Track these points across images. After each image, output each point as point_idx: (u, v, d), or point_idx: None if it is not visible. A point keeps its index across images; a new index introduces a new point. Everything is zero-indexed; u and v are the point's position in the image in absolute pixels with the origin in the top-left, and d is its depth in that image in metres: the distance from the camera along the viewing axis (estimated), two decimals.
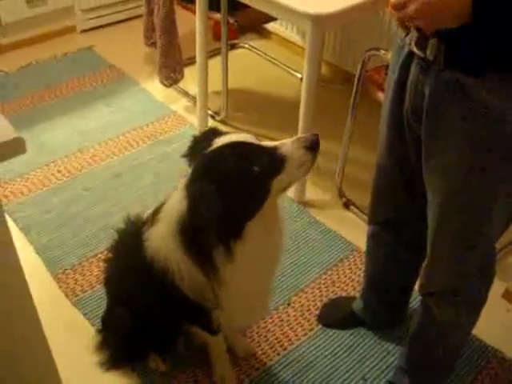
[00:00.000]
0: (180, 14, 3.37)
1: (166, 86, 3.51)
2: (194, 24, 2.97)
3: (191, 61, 3.41)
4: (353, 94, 2.56)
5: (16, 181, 2.90)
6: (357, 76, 2.51)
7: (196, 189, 1.42)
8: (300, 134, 1.51)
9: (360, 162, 2.93)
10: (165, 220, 1.57)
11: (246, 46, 4.06)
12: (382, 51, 2.42)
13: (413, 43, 1.44)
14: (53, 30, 4.08)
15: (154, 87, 3.62)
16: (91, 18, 4.19)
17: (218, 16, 3.20)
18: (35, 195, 2.83)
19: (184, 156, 1.58)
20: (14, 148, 1.17)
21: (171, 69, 3.41)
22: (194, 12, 3.01)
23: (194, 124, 3.31)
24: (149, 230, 1.64)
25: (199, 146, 1.53)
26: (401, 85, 1.55)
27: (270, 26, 4.02)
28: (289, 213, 2.73)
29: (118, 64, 3.85)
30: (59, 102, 3.50)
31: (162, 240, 1.58)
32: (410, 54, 1.47)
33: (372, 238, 2.04)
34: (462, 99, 1.36)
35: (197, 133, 1.66)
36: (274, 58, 3.91)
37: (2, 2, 3.72)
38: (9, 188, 2.85)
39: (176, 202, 1.49)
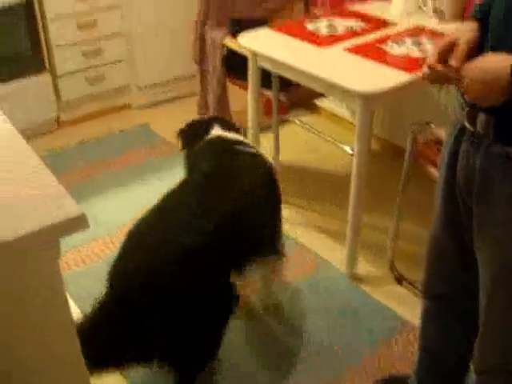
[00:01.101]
0: (231, 89, 3.47)
1: None
2: (245, 100, 3.05)
3: None
4: (404, 169, 2.57)
5: (70, 252, 2.96)
6: (407, 150, 2.52)
7: None
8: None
9: (411, 236, 2.90)
10: None
11: (297, 121, 4.13)
12: (433, 125, 2.44)
13: (464, 118, 1.47)
14: (109, 107, 4.23)
15: None
16: (146, 96, 4.33)
17: (269, 93, 3.28)
18: (89, 267, 2.88)
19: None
20: (78, 224, 1.22)
21: None
22: (245, 88, 3.09)
23: None
24: None
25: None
26: (454, 158, 1.57)
27: (319, 101, 4.09)
28: (339, 287, 2.72)
29: (172, 140, 3.94)
30: (113, 175, 3.60)
31: None
32: (463, 128, 1.50)
33: (426, 313, 2.00)
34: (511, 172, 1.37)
35: None
36: (323, 133, 3.96)
37: (63, 79, 3.90)
38: (63, 259, 2.90)
39: None
